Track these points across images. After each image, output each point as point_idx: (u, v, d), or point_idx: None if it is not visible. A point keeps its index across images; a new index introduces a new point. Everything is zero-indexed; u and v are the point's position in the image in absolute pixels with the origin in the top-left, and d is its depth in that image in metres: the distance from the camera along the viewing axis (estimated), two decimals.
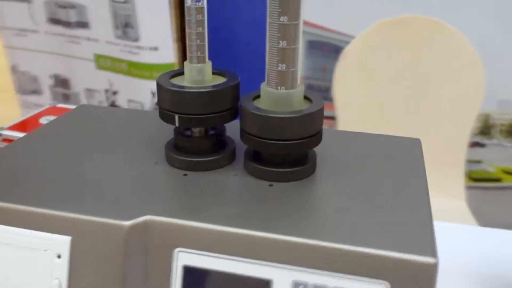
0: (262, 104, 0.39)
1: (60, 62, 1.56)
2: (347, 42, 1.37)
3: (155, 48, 1.33)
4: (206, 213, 0.35)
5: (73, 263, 0.35)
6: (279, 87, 0.38)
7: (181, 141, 0.42)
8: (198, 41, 0.39)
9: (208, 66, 0.41)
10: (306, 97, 0.41)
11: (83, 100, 1.62)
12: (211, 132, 0.43)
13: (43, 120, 0.68)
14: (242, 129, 0.39)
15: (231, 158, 0.42)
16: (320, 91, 1.58)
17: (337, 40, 1.50)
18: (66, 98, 1.65)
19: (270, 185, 0.39)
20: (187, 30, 0.39)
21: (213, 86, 0.39)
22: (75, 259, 0.35)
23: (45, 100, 1.69)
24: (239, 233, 0.33)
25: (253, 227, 0.33)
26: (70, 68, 1.55)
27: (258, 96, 0.40)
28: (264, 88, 0.38)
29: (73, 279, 0.35)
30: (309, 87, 1.59)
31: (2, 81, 1.84)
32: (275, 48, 0.36)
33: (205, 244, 0.33)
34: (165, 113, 0.40)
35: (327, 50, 1.55)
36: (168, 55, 1.34)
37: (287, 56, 0.37)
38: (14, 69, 1.72)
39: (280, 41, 0.36)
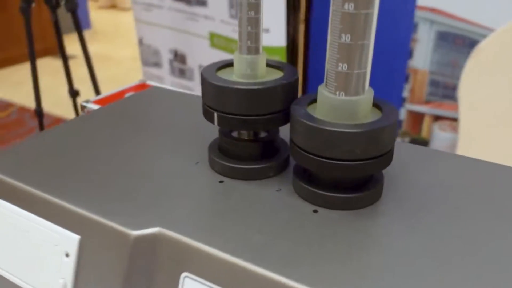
0: (318, 111, 0.31)
1: (179, 37, 1.60)
2: (484, 36, 1.19)
3: (266, 30, 1.28)
4: (225, 237, 0.29)
5: (80, 265, 0.31)
6: (338, 92, 0.30)
7: (224, 142, 0.36)
8: (249, 28, 0.33)
9: (261, 58, 0.34)
10: (376, 105, 0.32)
11: (197, 77, 1.65)
12: (261, 135, 0.36)
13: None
14: (290, 139, 0.32)
15: (280, 168, 0.36)
16: (446, 89, 1.41)
17: (472, 32, 1.30)
18: (182, 73, 1.70)
19: (315, 211, 0.32)
20: (238, 15, 0.33)
21: (262, 83, 0.33)
22: (82, 260, 0.31)
23: (164, 73, 1.76)
24: (255, 271, 0.27)
25: (273, 266, 0.27)
26: (187, 44, 1.59)
27: (315, 100, 0.32)
28: (321, 91, 0.31)
29: (78, 282, 0.31)
30: (433, 83, 1.42)
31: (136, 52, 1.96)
32: (336, 43, 0.29)
33: (215, 275, 0.28)
34: (206, 109, 0.35)
35: (460, 43, 1.36)
36: (279, 38, 1.29)
37: (351, 54, 0.28)
38: (140, 42, 1.82)
39: (343, 35, 0.28)
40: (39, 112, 1.35)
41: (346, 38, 0.28)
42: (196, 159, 0.38)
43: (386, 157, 0.31)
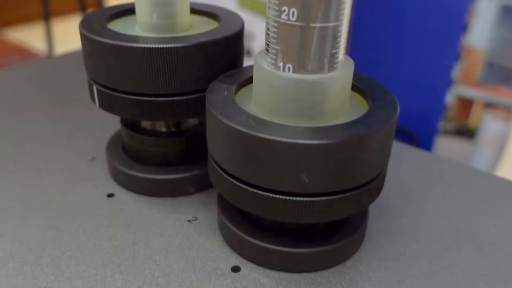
0: (253, 98, 0.18)
1: None
2: None
3: None
4: None
5: None
6: (283, 65, 0.16)
7: (124, 133, 0.23)
8: None
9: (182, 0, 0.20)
10: (358, 90, 0.18)
11: None
12: (183, 125, 0.23)
13: None
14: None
15: (206, 181, 0.22)
16: (502, 72, 1.20)
17: None
18: None
19: (235, 269, 0.18)
20: None
21: (173, 40, 0.19)
22: None
23: None
24: None
25: None
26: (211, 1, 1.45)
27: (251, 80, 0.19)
28: (258, 61, 0.17)
29: None
30: (490, 65, 1.22)
31: None
32: None
33: None
34: (88, 81, 0.21)
35: None
36: None
37: None
38: None
39: None
40: None
41: None
42: (97, 151, 0.25)
43: (365, 190, 0.17)
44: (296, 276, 0.18)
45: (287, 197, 0.16)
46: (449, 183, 0.24)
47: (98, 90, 0.20)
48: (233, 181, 0.17)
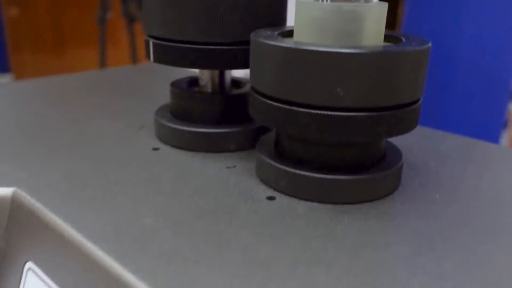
0: (295, 35, 0.19)
1: None
2: None
3: None
4: (100, 215, 0.17)
5: None
6: None
7: (173, 94, 0.25)
8: None
9: None
10: (389, 38, 0.20)
11: None
12: (223, 89, 0.25)
13: None
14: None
15: (249, 139, 0.24)
16: None
17: None
18: None
19: (270, 198, 0.19)
20: None
21: None
22: None
23: None
24: (120, 275, 0.15)
25: (144, 269, 0.14)
26: None
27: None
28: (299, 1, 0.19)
29: None
30: None
31: None
32: None
33: (67, 270, 0.16)
34: (145, 41, 0.24)
35: None
36: None
37: None
38: None
39: None
40: None
41: None
42: (146, 119, 0.27)
43: (398, 115, 0.18)
44: (329, 206, 0.18)
45: (324, 112, 0.17)
46: (490, 162, 0.24)
47: (152, 44, 0.23)
48: (271, 102, 0.18)
